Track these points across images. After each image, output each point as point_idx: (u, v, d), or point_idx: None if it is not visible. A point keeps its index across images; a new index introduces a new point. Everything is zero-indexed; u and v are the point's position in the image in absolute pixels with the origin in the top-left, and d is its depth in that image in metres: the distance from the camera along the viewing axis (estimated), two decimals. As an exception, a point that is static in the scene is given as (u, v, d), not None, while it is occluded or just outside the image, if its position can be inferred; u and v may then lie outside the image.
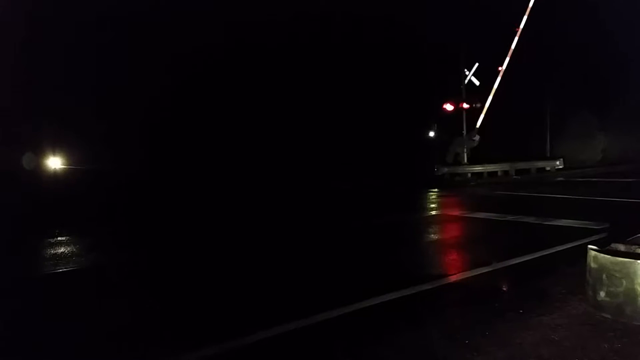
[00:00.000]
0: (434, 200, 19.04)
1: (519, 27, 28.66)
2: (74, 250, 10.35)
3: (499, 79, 29.00)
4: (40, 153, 25.78)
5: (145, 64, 28.60)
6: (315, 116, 32.39)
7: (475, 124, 29.45)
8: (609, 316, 4.92)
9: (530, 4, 28.35)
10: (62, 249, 10.30)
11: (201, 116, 30.81)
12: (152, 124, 28.90)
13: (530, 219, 11.66)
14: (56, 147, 28.00)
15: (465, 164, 29.30)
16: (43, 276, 8.23)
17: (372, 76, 32.84)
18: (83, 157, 28.39)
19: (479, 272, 7.15)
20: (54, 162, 28.05)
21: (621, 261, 4.90)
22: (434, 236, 10.97)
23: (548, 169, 29.94)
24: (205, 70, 30.52)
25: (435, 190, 22.43)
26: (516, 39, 28.58)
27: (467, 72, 29.28)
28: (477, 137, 29.40)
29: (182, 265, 8.87)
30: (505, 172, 28.58)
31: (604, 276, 5.01)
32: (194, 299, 6.60)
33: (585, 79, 32.87)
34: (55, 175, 25.67)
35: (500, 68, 28.94)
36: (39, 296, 7.11)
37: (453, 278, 6.94)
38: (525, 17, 28.47)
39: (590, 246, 5.35)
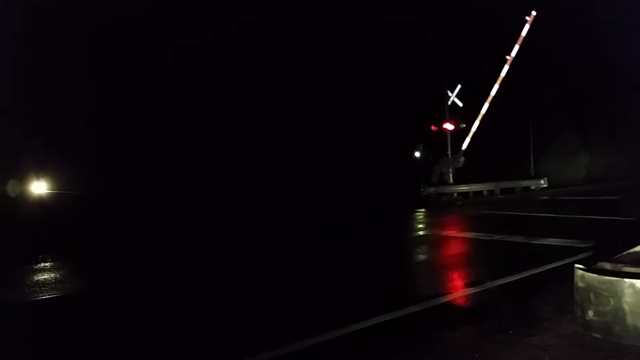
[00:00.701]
0: (421, 220, 19.09)
1: (510, 55, 29.18)
2: (58, 276, 10.21)
3: (487, 104, 29.42)
4: (23, 178, 25.31)
5: (139, 79, 28.39)
6: (301, 137, 32.49)
7: (461, 145, 29.77)
8: (598, 335, 4.92)
9: (523, 34, 28.89)
10: (45, 275, 10.16)
11: (192, 135, 30.68)
12: (147, 142, 28.64)
13: (517, 238, 11.71)
14: (40, 171, 27.40)
15: (451, 184, 29.50)
16: (28, 303, 8.09)
17: (356, 97, 33.09)
18: (71, 181, 27.76)
19: (467, 293, 7.16)
20: (39, 187, 27.51)
21: (608, 280, 4.92)
22: (422, 257, 10.97)
23: (533, 187, 30.21)
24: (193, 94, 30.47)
25: (422, 210, 22.50)
26: (506, 67, 29.07)
27: (450, 94, 29.67)
28: (462, 159, 29.75)
29: (170, 287, 8.78)
30: (491, 192, 28.78)
31: (591, 295, 5.02)
32: (175, 325, 6.53)
33: (568, 97, 33.45)
34: (41, 201, 25.26)
35: (490, 94, 29.37)
36: (25, 322, 6.99)
37: (442, 299, 6.93)
38: (517, 46, 28.99)
39: (576, 265, 5.37)
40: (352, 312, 6.32)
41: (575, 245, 10.13)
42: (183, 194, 27.93)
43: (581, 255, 8.73)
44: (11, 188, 22.51)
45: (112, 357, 5.52)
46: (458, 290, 7.44)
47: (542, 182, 30.35)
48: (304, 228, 18.08)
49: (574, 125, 34.03)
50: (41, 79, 26.89)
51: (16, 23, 24.37)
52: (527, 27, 28.86)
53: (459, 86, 29.55)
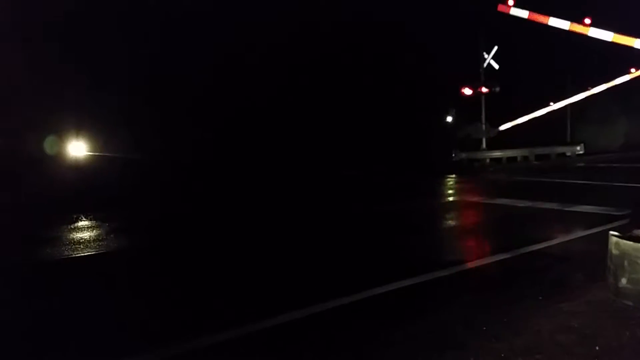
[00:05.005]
0: (451, 186, 18.91)
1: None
2: (93, 235, 10.46)
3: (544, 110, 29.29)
4: (63, 136, 25.12)
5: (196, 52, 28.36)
6: (332, 103, 32.15)
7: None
8: (630, 303, 4.82)
9: (616, 82, 28.71)
10: (83, 234, 10.43)
11: (224, 106, 30.61)
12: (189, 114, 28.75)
13: (551, 205, 11.50)
14: (81, 130, 26.67)
15: (484, 149, 29.06)
16: (59, 260, 8.32)
17: (388, 60, 32.48)
18: (117, 144, 27.36)
19: (498, 259, 7.08)
20: (77, 148, 27.04)
21: (643, 248, 4.81)
22: (452, 222, 10.89)
23: (568, 154, 29.58)
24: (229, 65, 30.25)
25: (453, 176, 22.26)
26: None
27: (485, 56, 28.92)
28: (496, 131, 29.35)
29: (190, 254, 8.90)
30: (525, 158, 28.29)
31: (625, 263, 4.91)
32: (198, 288, 6.63)
33: (605, 63, 32.31)
34: (78, 164, 25.19)
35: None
36: (57, 278, 7.20)
37: (471, 264, 6.88)
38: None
39: (611, 232, 5.25)
40: (377, 276, 6.31)
41: (610, 212, 9.92)
42: (216, 162, 27.98)
43: (616, 224, 8.54)
44: (49, 145, 22.58)
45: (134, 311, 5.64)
46: (488, 256, 7.37)
47: (578, 148, 29.70)
48: (335, 192, 18.08)
49: (612, 91, 32.97)
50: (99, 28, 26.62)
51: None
52: (625, 78, 28.65)
53: (496, 47, 28.76)
